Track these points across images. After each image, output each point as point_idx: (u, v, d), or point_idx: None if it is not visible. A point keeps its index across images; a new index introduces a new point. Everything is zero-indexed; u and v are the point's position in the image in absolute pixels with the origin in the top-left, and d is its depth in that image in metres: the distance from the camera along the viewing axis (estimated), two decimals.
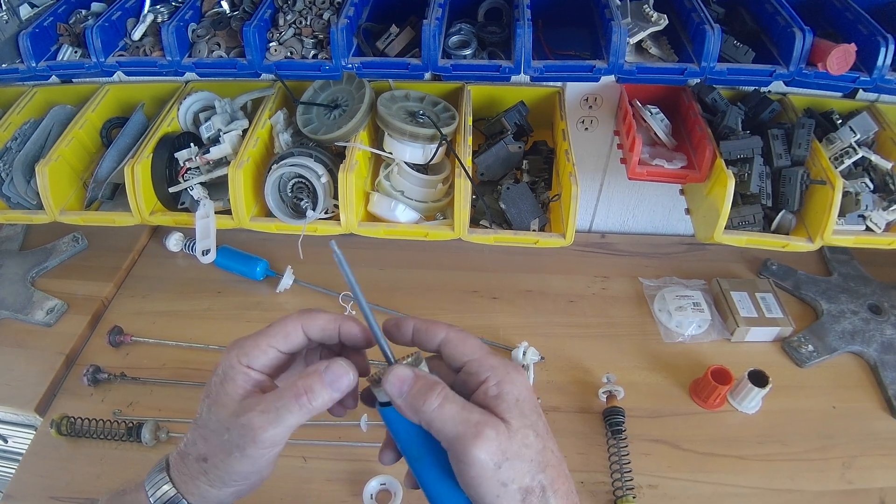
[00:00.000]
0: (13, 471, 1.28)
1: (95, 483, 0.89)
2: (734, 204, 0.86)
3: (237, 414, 0.46)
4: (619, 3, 0.88)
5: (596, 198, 1.22)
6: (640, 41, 0.87)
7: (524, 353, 0.96)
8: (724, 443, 0.91)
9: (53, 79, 1.07)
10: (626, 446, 0.87)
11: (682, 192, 1.06)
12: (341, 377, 0.46)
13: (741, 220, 0.90)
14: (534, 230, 0.91)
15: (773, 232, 0.91)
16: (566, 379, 0.99)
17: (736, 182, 0.84)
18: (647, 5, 0.89)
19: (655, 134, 0.97)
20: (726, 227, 0.87)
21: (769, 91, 0.99)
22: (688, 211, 1.03)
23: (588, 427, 0.92)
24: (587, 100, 1.06)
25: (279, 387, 0.47)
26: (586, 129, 1.10)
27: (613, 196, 1.21)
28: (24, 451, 1.17)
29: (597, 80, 0.84)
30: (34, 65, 0.86)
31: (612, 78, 0.98)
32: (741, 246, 0.89)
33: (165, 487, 0.49)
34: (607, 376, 0.95)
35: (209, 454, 0.47)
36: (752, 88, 0.99)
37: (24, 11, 0.89)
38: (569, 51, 0.91)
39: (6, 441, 1.17)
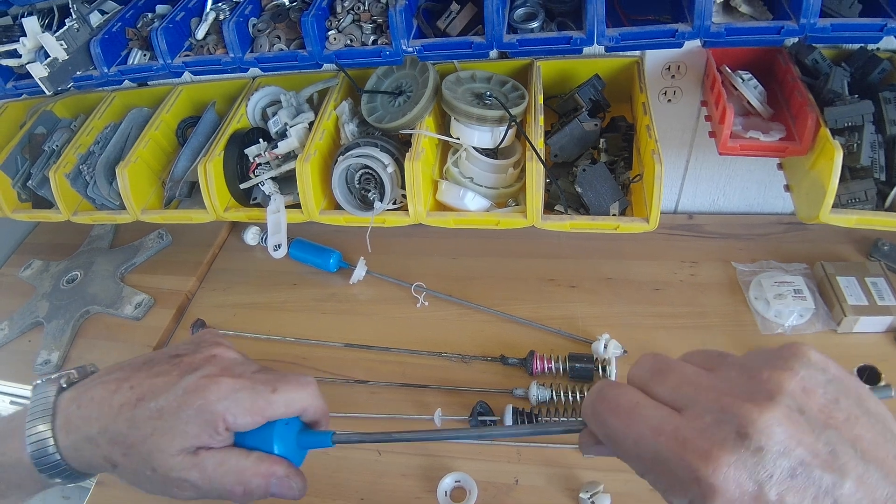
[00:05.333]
0: None
1: None
2: (842, 179, 0.77)
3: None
4: None
5: (682, 175, 1.13)
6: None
7: (605, 346, 0.91)
8: None
9: (129, 82, 1.10)
10: None
11: (780, 166, 0.96)
12: None
13: (850, 197, 0.80)
14: (614, 214, 0.85)
15: (888, 209, 0.80)
16: None
17: (844, 154, 0.74)
18: None
19: (748, 103, 0.88)
20: (833, 206, 0.78)
21: (878, 48, 0.87)
22: (787, 187, 0.93)
23: None
24: (669, 68, 0.97)
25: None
26: (669, 100, 1.01)
27: (701, 173, 1.12)
28: None
29: (680, 45, 0.76)
30: (106, 70, 0.88)
31: (697, 43, 0.89)
32: (850, 226, 0.79)
33: (42, 428, 0.45)
34: None
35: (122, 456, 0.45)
36: (858, 46, 0.88)
37: (95, 19, 0.91)
38: (647, 15, 0.83)
39: None
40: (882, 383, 0.80)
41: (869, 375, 0.82)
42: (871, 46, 0.87)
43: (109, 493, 0.91)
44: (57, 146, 1.08)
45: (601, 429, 0.35)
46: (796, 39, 0.84)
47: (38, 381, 0.49)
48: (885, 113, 0.78)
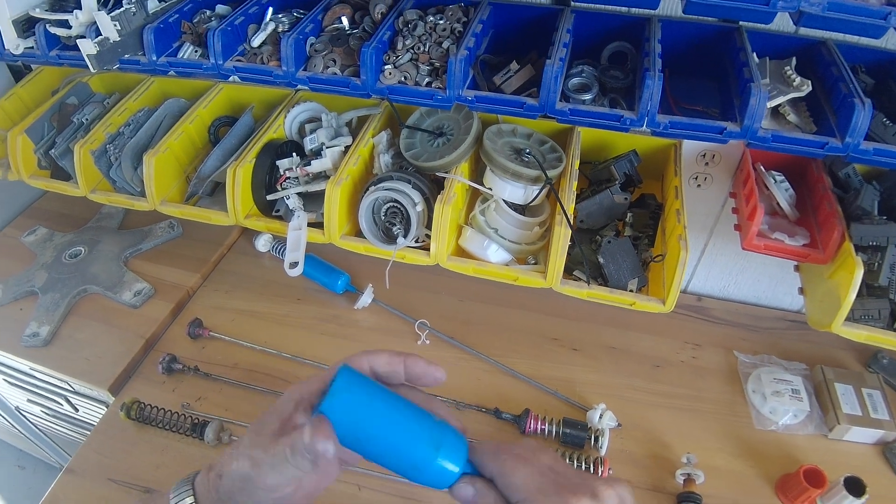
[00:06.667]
0: (78, 436, 1.35)
1: (154, 473, 0.90)
2: (858, 294, 0.78)
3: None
4: (758, 61, 0.81)
5: (698, 258, 1.14)
6: (778, 106, 0.80)
7: (600, 416, 0.91)
8: None
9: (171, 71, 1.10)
10: None
11: (797, 268, 0.98)
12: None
13: (864, 313, 0.81)
14: (631, 290, 0.86)
15: None
16: (642, 451, 0.92)
17: (864, 271, 0.76)
18: (788, 67, 0.82)
19: (778, 203, 0.90)
20: (846, 318, 0.79)
21: None
22: (801, 290, 0.94)
23: None
24: (704, 155, 0.99)
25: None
26: (699, 185, 1.03)
27: (717, 259, 1.14)
28: (90, 422, 1.21)
29: (725, 142, 0.78)
30: (155, 59, 0.88)
31: None
32: (859, 341, 0.81)
33: (188, 500, 0.49)
34: (687, 456, 0.88)
35: (224, 472, 0.48)
36: None
37: (152, 5, 0.91)
38: (695, 105, 0.85)
39: (77, 410, 1.21)
40: (866, 496, 0.81)
41: (855, 487, 0.82)
42: None
43: (76, 482, 0.89)
44: (87, 120, 1.08)
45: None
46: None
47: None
48: None
